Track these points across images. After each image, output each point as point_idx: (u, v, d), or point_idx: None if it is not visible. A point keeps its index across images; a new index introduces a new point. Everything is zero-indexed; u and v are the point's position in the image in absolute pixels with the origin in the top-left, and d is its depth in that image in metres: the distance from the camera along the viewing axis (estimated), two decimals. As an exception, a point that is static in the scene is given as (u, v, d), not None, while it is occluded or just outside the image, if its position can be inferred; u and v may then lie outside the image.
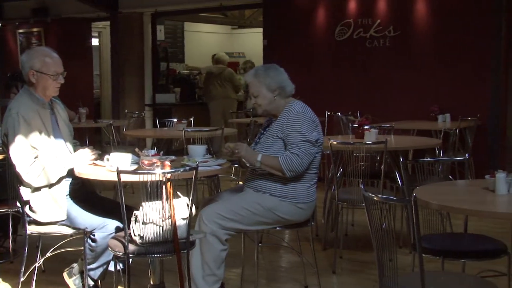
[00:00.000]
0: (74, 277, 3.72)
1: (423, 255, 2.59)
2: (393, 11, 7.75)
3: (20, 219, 3.77)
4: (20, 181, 3.48)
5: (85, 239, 3.49)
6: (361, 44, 7.96)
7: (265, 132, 3.80)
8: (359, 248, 5.02)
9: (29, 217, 3.54)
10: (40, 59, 3.54)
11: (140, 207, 3.07)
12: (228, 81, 10.02)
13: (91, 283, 3.60)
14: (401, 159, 4.57)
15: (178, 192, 3.20)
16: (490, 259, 3.18)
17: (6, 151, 3.53)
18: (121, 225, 3.35)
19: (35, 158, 3.44)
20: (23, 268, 3.62)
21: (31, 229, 3.54)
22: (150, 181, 3.01)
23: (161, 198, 3.05)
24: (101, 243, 3.47)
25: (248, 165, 3.68)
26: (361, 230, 5.49)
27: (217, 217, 3.49)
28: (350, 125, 6.29)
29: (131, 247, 3.11)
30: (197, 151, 3.72)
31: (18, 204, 3.61)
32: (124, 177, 3.03)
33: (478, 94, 7.19)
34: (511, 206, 2.86)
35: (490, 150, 7.11)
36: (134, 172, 3.11)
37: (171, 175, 3.03)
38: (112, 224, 3.46)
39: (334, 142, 4.52)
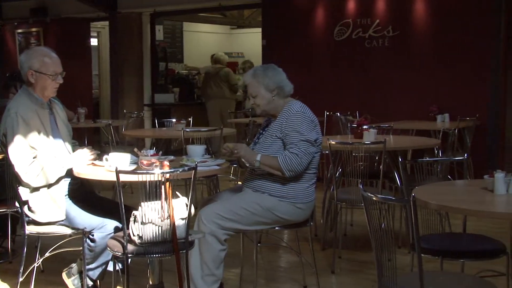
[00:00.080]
0: (73, 277, 3.72)
1: (422, 255, 2.60)
2: (392, 11, 7.75)
3: (19, 219, 3.77)
4: (19, 181, 3.47)
5: (84, 239, 3.49)
6: (360, 44, 7.96)
7: (264, 132, 3.80)
8: (358, 248, 5.02)
9: (28, 217, 3.53)
10: (39, 59, 3.54)
11: (139, 207, 3.07)
12: (224, 81, 10.01)
13: (90, 283, 3.60)
14: (400, 159, 4.57)
15: (177, 192, 3.20)
16: (489, 259, 3.18)
17: (4, 151, 3.53)
18: (120, 225, 3.36)
19: (34, 158, 3.44)
20: (22, 268, 3.62)
21: (30, 229, 3.54)
22: (149, 181, 3.01)
23: (160, 198, 3.05)
24: (100, 243, 3.47)
25: (247, 165, 3.68)
26: (360, 230, 5.49)
27: (216, 217, 3.49)
28: (349, 125, 6.29)
29: (130, 247, 3.11)
30: (196, 151, 3.72)
31: (17, 204, 3.61)
32: (123, 177, 3.03)
33: (477, 94, 7.20)
34: (510, 206, 2.86)
35: (489, 150, 7.11)
36: (133, 172, 3.11)
37: (170, 175, 3.02)
38: (111, 224, 3.46)
39: (333, 142, 4.52)
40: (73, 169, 3.45)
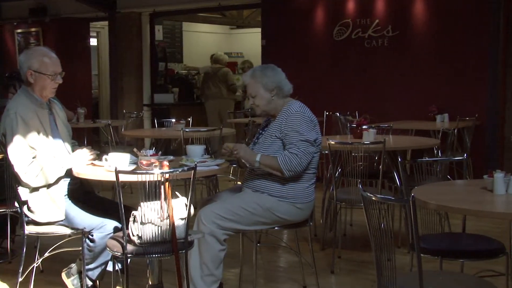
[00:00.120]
0: (72, 277, 3.72)
1: (422, 255, 2.60)
2: (391, 11, 7.76)
3: (19, 219, 3.77)
4: (18, 181, 3.47)
5: (83, 239, 3.49)
6: (360, 44, 7.96)
7: (263, 132, 3.80)
8: (358, 248, 5.02)
9: (27, 217, 3.53)
10: (38, 59, 3.54)
11: (139, 207, 3.07)
12: (223, 81, 10.00)
13: (89, 283, 3.60)
14: (399, 159, 4.57)
15: (176, 192, 3.20)
16: (488, 259, 3.18)
17: (4, 151, 3.53)
18: (119, 225, 3.35)
19: (33, 158, 3.44)
20: (21, 268, 3.61)
21: (29, 229, 3.54)
22: (148, 181, 3.01)
23: (159, 198, 3.05)
24: (100, 243, 3.46)
25: (248, 165, 3.69)
26: (359, 230, 5.49)
27: (215, 217, 3.48)
28: (348, 125, 6.29)
29: (130, 247, 3.11)
30: (196, 151, 3.72)
31: (16, 204, 3.61)
32: (123, 177, 3.03)
33: (476, 94, 7.20)
34: (509, 206, 2.86)
35: (488, 150, 7.11)
36: (132, 172, 3.11)
37: (169, 175, 3.02)
38: (110, 224, 3.46)
39: (332, 142, 4.52)
40: (72, 169, 3.45)
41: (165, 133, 6.58)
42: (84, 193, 3.72)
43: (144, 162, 3.28)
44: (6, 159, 3.53)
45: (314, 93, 7.87)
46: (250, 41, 12.30)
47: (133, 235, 3.10)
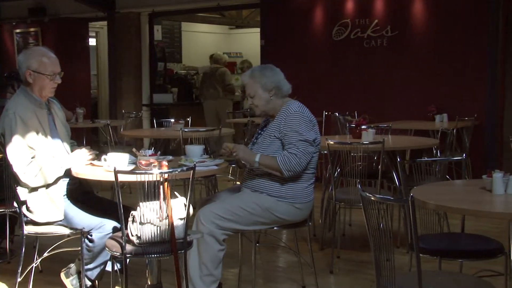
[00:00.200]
0: (71, 277, 3.71)
1: (421, 255, 2.60)
2: (390, 11, 7.76)
3: (17, 219, 3.76)
4: (17, 181, 3.47)
5: (82, 239, 3.49)
6: (359, 44, 7.96)
7: (262, 132, 3.80)
8: (357, 248, 5.02)
9: (26, 217, 3.53)
10: (37, 59, 3.54)
11: (138, 207, 3.07)
12: (220, 82, 9.98)
13: (89, 283, 3.60)
14: (398, 159, 4.58)
15: (175, 192, 3.20)
16: (487, 259, 3.19)
17: (3, 151, 3.53)
18: (118, 225, 3.35)
19: (32, 158, 3.44)
20: (20, 268, 3.61)
21: (28, 229, 3.54)
22: (147, 181, 3.01)
23: (158, 198, 3.05)
24: (99, 243, 3.46)
25: (247, 165, 3.69)
26: (358, 230, 5.50)
27: (214, 217, 3.48)
28: (347, 125, 6.29)
29: (129, 247, 3.11)
30: (195, 151, 3.72)
31: (15, 204, 3.61)
32: (122, 177, 3.03)
33: (475, 94, 7.21)
34: (508, 206, 2.86)
35: (487, 150, 7.12)
36: (131, 172, 3.11)
37: (168, 175, 3.02)
38: (109, 224, 3.46)
39: (331, 142, 4.52)
40: (71, 169, 3.45)
41: (164, 133, 6.57)
42: (83, 193, 3.72)
43: (143, 162, 3.28)
44: (5, 159, 3.52)
45: (313, 93, 7.87)
46: (249, 41, 12.31)
47: (132, 235, 3.09)
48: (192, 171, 3.07)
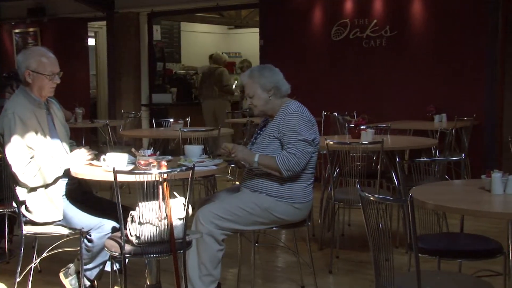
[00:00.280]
0: (70, 277, 3.71)
1: (420, 255, 2.60)
2: (389, 11, 7.76)
3: (16, 219, 3.76)
4: (16, 181, 3.47)
5: (82, 239, 3.49)
6: (358, 44, 7.97)
7: (261, 133, 3.79)
8: (356, 248, 5.02)
9: (25, 217, 3.53)
10: (36, 59, 3.53)
11: (137, 207, 3.06)
12: (218, 82, 9.98)
13: (88, 283, 3.59)
14: (397, 159, 4.58)
15: (174, 192, 3.20)
16: (486, 259, 3.19)
17: (2, 151, 3.52)
18: (117, 225, 3.35)
19: (31, 158, 3.43)
20: (19, 269, 3.61)
21: (27, 229, 3.53)
22: (146, 181, 3.01)
23: (157, 198, 3.05)
24: (98, 243, 3.46)
25: (247, 165, 3.68)
26: (357, 230, 5.50)
27: (213, 217, 3.48)
28: (346, 125, 6.29)
29: (128, 247, 3.11)
30: (194, 151, 3.72)
31: (14, 204, 3.61)
32: (121, 177, 3.03)
33: (474, 94, 7.21)
34: (507, 206, 2.86)
35: (486, 150, 7.13)
36: (130, 172, 3.10)
37: (167, 175, 3.02)
38: (108, 224, 3.46)
39: (330, 142, 4.52)
40: (70, 169, 3.44)
41: (163, 133, 6.57)
42: (82, 193, 3.72)
43: (142, 162, 3.27)
44: (4, 159, 3.52)
45: (312, 93, 7.87)
46: (248, 41, 12.30)
47: (131, 235, 3.09)
48: (191, 171, 3.07)
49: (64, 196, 3.59)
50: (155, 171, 3.02)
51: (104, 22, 10.47)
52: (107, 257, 3.51)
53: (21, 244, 3.58)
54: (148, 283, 3.36)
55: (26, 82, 3.55)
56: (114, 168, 3.02)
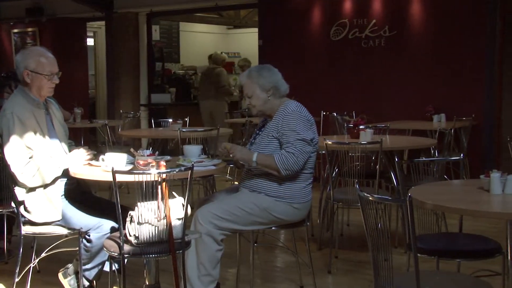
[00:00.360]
0: (69, 278, 3.71)
1: (418, 255, 2.60)
2: (388, 11, 7.77)
3: (15, 220, 3.76)
4: (15, 181, 3.46)
5: (80, 239, 3.48)
6: (357, 44, 7.97)
7: (260, 132, 3.80)
8: (355, 248, 5.02)
9: (24, 217, 3.52)
10: (35, 59, 3.53)
11: (136, 207, 3.06)
12: (215, 82, 9.96)
13: (86, 283, 3.59)
14: (396, 159, 4.57)
15: (173, 192, 3.20)
16: (485, 259, 3.19)
17: (0, 151, 3.52)
18: (116, 225, 3.35)
19: (30, 158, 3.43)
20: (17, 269, 3.61)
21: (26, 229, 3.53)
22: (145, 181, 3.01)
23: (156, 198, 3.05)
24: (96, 243, 3.46)
25: (246, 165, 3.69)
26: (356, 230, 5.50)
27: (212, 217, 3.48)
28: (345, 125, 6.29)
29: (127, 247, 3.11)
30: (193, 151, 3.72)
31: (12, 204, 3.60)
32: (119, 177, 3.03)
33: (473, 94, 7.22)
34: (506, 206, 2.87)
35: (485, 150, 7.13)
36: (129, 172, 3.10)
37: (166, 175, 3.02)
38: (107, 224, 3.46)
39: (329, 142, 4.52)
40: (69, 169, 3.44)
41: (162, 133, 6.57)
42: (81, 193, 3.71)
43: (141, 162, 3.27)
44: (2, 159, 3.52)
45: (311, 93, 7.87)
46: (247, 41, 12.30)
47: (130, 235, 3.09)
48: (190, 171, 3.07)
49: (63, 196, 3.58)
50: (154, 171, 3.02)
51: (103, 22, 10.47)
52: (106, 257, 3.51)
53: (20, 244, 3.58)
54: (147, 283, 3.36)
55: (25, 82, 3.55)
56: (113, 168, 3.02)
